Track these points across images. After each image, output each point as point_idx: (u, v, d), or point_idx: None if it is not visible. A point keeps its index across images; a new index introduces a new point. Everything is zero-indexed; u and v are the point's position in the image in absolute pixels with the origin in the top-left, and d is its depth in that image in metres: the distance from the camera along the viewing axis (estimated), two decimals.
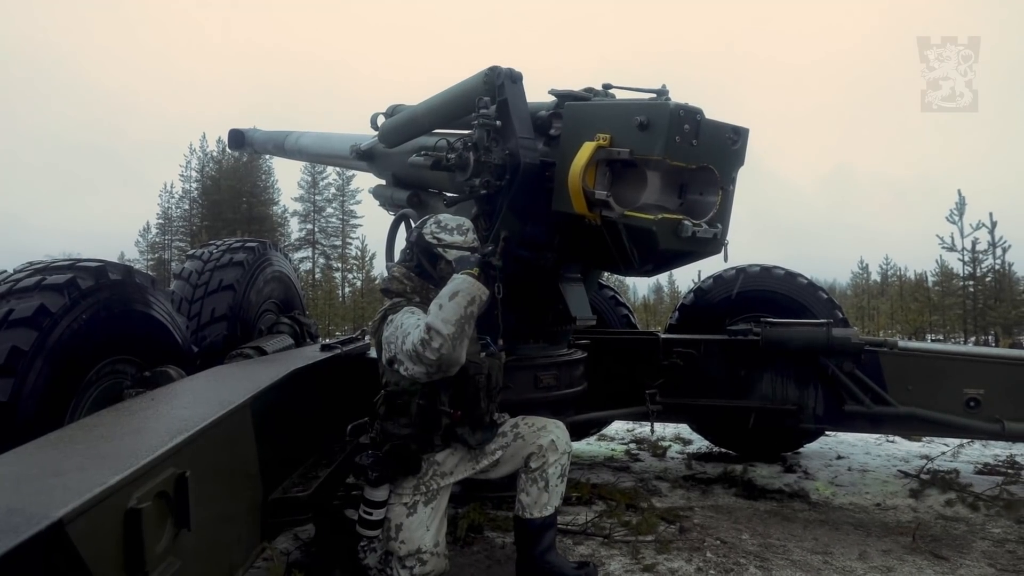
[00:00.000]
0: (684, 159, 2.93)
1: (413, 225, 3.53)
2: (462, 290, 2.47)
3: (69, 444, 1.80)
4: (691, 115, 2.91)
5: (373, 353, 3.88)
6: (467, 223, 2.87)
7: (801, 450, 5.13)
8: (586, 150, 2.99)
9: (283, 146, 6.33)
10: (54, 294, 2.63)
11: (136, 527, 1.49)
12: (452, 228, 2.79)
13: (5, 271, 2.83)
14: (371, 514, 2.63)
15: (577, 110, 3.28)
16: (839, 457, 5.09)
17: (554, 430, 2.75)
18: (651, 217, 2.93)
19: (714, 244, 3.14)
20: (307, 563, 2.84)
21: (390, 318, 2.65)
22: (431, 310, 2.48)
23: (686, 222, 2.93)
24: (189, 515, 1.71)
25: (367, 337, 4.07)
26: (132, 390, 2.88)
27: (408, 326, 2.52)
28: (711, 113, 3.01)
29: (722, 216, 3.14)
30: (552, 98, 3.58)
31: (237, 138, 6.87)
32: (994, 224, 19.03)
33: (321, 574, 2.74)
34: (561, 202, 3.17)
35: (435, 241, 2.76)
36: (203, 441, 1.91)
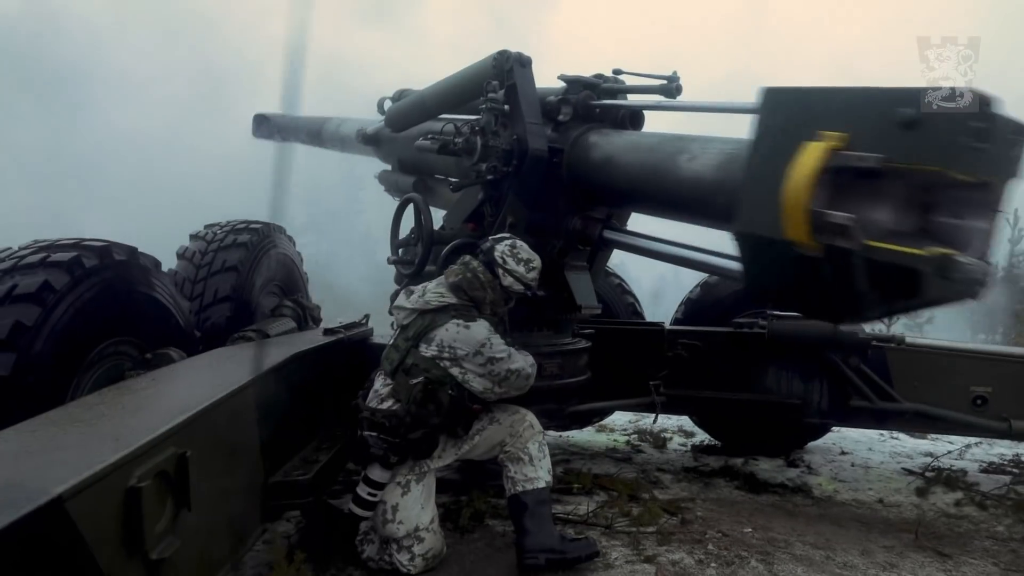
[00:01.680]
0: (971, 171, 2.04)
1: (419, 210, 3.51)
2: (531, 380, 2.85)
3: (69, 421, 1.78)
4: (985, 106, 2.00)
5: (376, 339, 3.87)
6: (537, 261, 2.99)
7: (804, 446, 5.11)
8: (813, 153, 2.12)
9: (319, 134, 5.75)
10: (59, 271, 2.62)
11: (136, 505, 1.47)
12: (523, 259, 2.94)
13: (9, 248, 2.82)
14: (374, 495, 2.67)
15: (786, 97, 2.34)
16: (843, 453, 5.07)
17: (526, 415, 2.92)
18: (919, 252, 2.05)
19: (977, 287, 2.19)
20: (308, 547, 2.82)
21: (461, 322, 2.72)
22: (528, 362, 2.83)
23: (960, 259, 2.03)
24: (189, 495, 1.70)
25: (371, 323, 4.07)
26: (133, 371, 2.87)
27: (512, 353, 2.77)
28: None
29: (989, 247, 2.26)
30: (561, 84, 3.55)
31: (261, 123, 6.35)
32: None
33: (322, 558, 2.73)
34: (755, 220, 2.33)
35: (500, 261, 2.89)
36: (204, 422, 1.90)
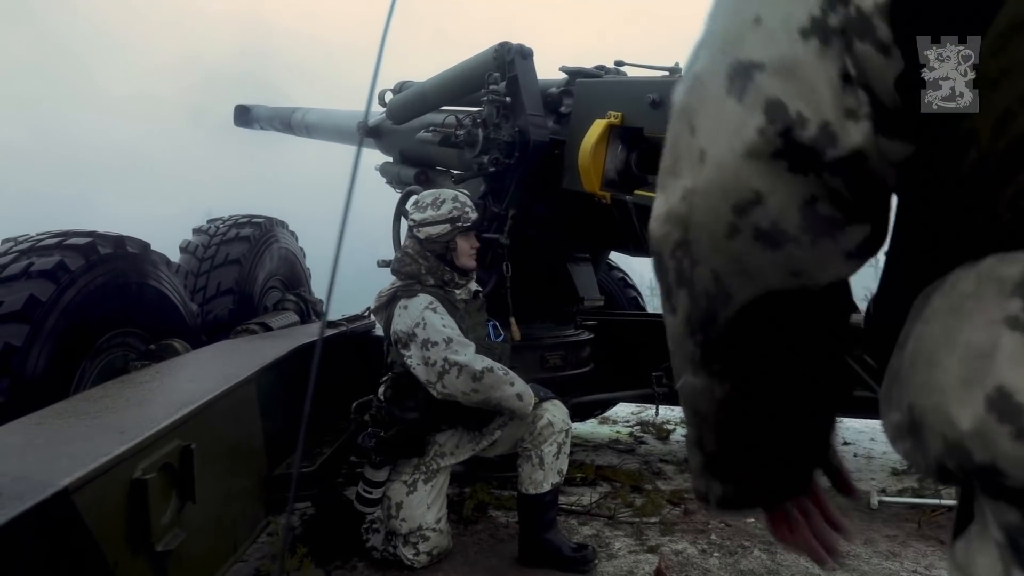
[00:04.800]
0: None
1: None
2: (517, 408, 2.55)
3: (74, 414, 1.79)
4: None
5: (378, 331, 3.88)
6: (444, 194, 2.76)
7: None
8: (597, 127, 2.94)
9: (289, 122, 6.25)
10: (74, 253, 2.69)
11: (142, 497, 1.48)
12: (426, 204, 2.72)
13: (27, 234, 2.87)
14: (371, 493, 2.64)
15: (589, 87, 3.23)
16: (845, 443, 5.07)
17: (551, 408, 2.71)
18: None
19: None
20: (312, 540, 2.84)
21: (403, 302, 2.62)
22: (498, 366, 2.52)
23: None
24: (194, 487, 1.71)
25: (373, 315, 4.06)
26: (138, 362, 2.88)
27: (457, 341, 2.50)
28: None
29: None
30: (563, 75, 3.54)
31: (242, 114, 6.77)
32: None
33: (325, 550, 2.74)
34: (571, 180, 3.13)
35: (411, 223, 2.73)
36: (208, 414, 1.91)
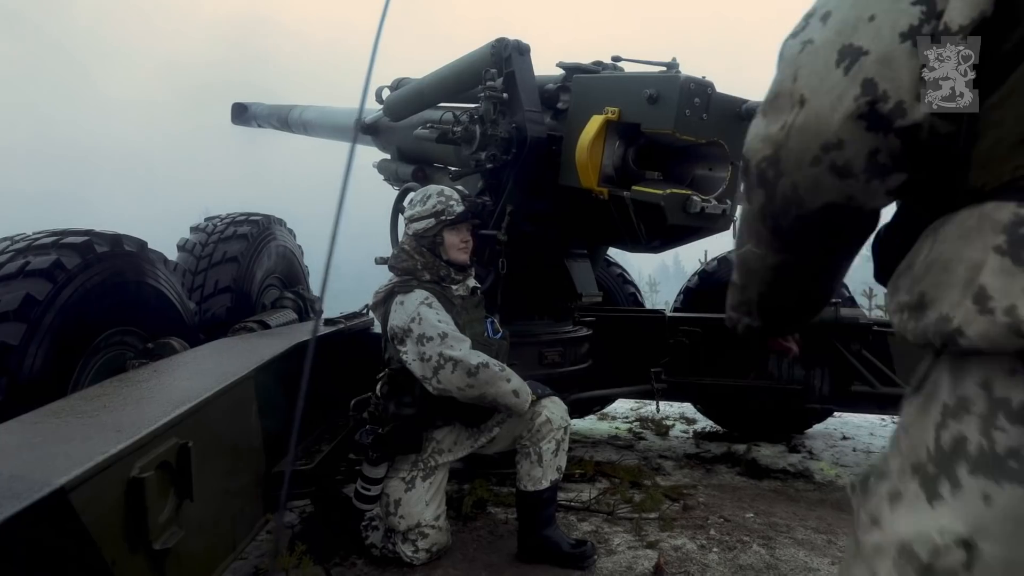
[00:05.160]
0: (694, 133, 2.87)
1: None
2: (513, 404, 2.53)
3: (72, 413, 1.78)
4: (701, 88, 2.85)
5: (377, 328, 3.87)
6: (431, 189, 2.78)
7: (806, 430, 5.12)
8: (594, 123, 2.94)
9: (287, 120, 6.23)
10: (71, 252, 2.68)
11: (139, 496, 1.48)
12: (416, 201, 2.75)
13: (24, 233, 2.87)
14: (369, 490, 2.65)
15: (585, 83, 3.23)
16: (844, 438, 5.08)
17: (549, 406, 2.70)
18: (659, 192, 2.88)
19: (723, 220, 3.10)
20: (310, 537, 2.84)
21: (399, 298, 2.62)
22: (494, 362, 2.51)
23: (695, 197, 2.89)
24: (192, 485, 1.71)
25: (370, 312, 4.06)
26: (135, 361, 2.88)
27: (452, 337, 2.50)
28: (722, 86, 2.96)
29: (731, 192, 3.09)
30: (560, 71, 3.53)
31: (240, 112, 6.75)
32: None
33: (324, 548, 2.74)
34: (568, 176, 3.13)
35: (406, 219, 2.76)
36: (206, 412, 1.90)
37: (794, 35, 0.85)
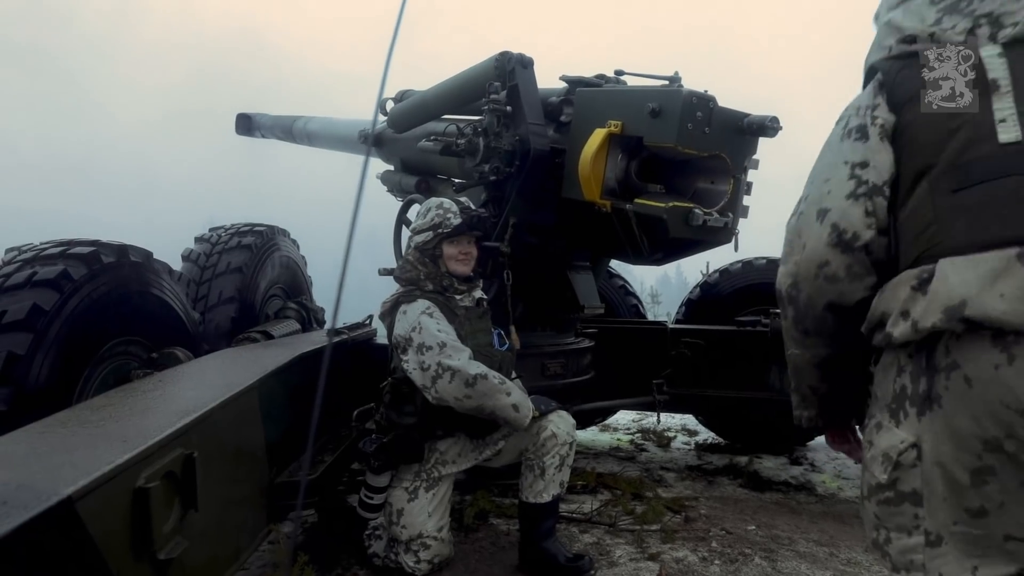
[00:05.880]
0: (696, 147, 2.89)
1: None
2: (512, 419, 2.52)
3: (78, 423, 1.80)
4: (703, 102, 2.87)
5: (380, 339, 3.88)
6: (431, 202, 2.80)
7: (808, 443, 5.11)
8: (597, 136, 2.96)
9: (291, 131, 6.26)
10: (78, 262, 2.71)
11: (144, 506, 1.49)
12: (420, 214, 2.79)
13: (31, 243, 2.89)
14: (372, 498, 2.66)
15: (588, 96, 3.26)
16: None
17: (556, 420, 2.70)
18: (662, 205, 2.90)
19: (725, 233, 3.12)
20: (313, 547, 2.84)
21: (403, 307, 2.64)
22: (493, 373, 2.50)
23: (697, 210, 2.90)
24: (196, 495, 1.72)
25: (375, 323, 4.07)
26: (140, 371, 2.89)
27: (451, 346, 2.49)
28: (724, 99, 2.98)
29: (733, 205, 3.11)
30: (563, 84, 3.55)
31: (244, 123, 6.77)
32: None
33: (327, 558, 2.75)
34: (571, 188, 3.15)
35: (411, 231, 2.80)
36: (211, 423, 1.91)
37: (792, 215, 1.34)
